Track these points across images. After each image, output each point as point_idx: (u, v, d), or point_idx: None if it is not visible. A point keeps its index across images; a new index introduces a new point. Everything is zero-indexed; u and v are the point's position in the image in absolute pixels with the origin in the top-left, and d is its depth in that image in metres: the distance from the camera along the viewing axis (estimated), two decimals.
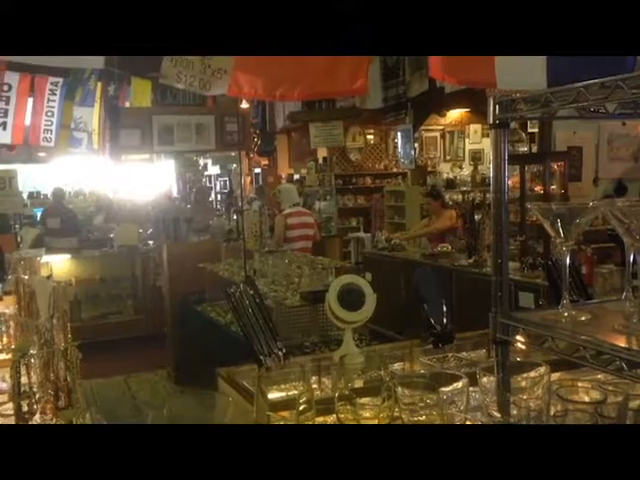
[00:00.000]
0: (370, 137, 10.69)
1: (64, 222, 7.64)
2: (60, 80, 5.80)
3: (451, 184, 10.12)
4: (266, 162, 12.31)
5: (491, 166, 1.21)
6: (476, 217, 5.56)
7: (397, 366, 2.34)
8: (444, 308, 2.64)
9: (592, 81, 1.10)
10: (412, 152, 8.12)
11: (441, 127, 10.51)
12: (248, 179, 11.57)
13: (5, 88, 5.62)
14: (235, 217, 7.02)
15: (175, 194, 10.44)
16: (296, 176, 11.19)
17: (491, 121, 1.23)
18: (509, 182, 1.23)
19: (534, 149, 7.30)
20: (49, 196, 9.01)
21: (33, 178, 11.45)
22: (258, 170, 12.57)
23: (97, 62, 2.71)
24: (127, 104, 6.33)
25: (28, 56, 2.41)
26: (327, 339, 3.29)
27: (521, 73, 2.31)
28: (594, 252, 4.05)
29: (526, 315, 1.21)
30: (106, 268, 7.34)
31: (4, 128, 5.63)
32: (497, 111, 1.23)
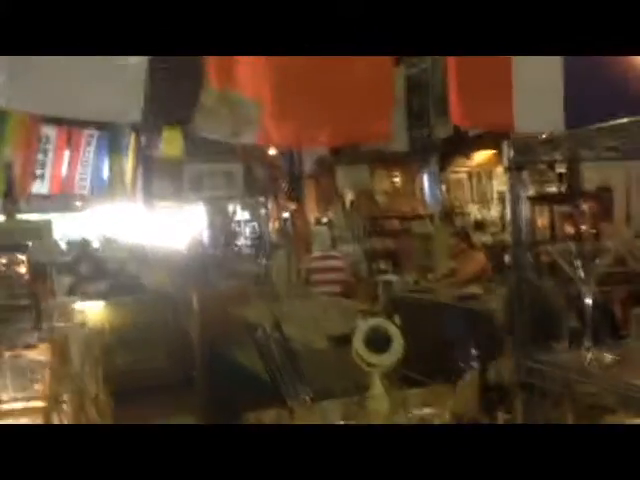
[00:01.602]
0: (396, 180, 10.75)
1: (94, 267, 7.78)
2: (95, 132, 6.03)
3: (480, 225, 10.06)
4: (294, 207, 12.35)
5: (508, 210, 1.23)
6: (506, 259, 5.57)
7: (426, 411, 2.30)
8: (472, 350, 2.60)
9: (605, 124, 1.11)
10: (439, 194, 8.14)
11: (468, 169, 10.52)
12: (277, 223, 11.70)
13: (43, 140, 5.83)
14: (264, 262, 7.09)
15: (205, 240, 10.59)
16: (324, 220, 11.23)
17: (507, 164, 1.25)
18: (539, 223, 1.23)
19: (563, 189, 7.24)
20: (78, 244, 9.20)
21: (72, 227, 11.75)
22: (286, 215, 12.76)
23: (135, 115, 2.64)
24: (157, 153, 6.49)
25: (65, 110, 2.43)
26: (356, 383, 3.25)
27: (539, 115, 2.32)
28: (630, 294, 3.97)
29: (549, 357, 1.20)
30: (138, 314, 7.42)
31: (42, 179, 5.83)
32: (512, 154, 1.25)
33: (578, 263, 1.21)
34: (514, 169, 1.27)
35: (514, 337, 1.28)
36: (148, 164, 6.26)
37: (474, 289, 5.93)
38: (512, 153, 1.24)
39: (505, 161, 1.26)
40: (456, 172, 10.60)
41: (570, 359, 1.22)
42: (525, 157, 1.26)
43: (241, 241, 13.51)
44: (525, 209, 1.30)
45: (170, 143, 6.42)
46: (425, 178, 8.46)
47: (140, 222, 10.61)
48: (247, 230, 14.50)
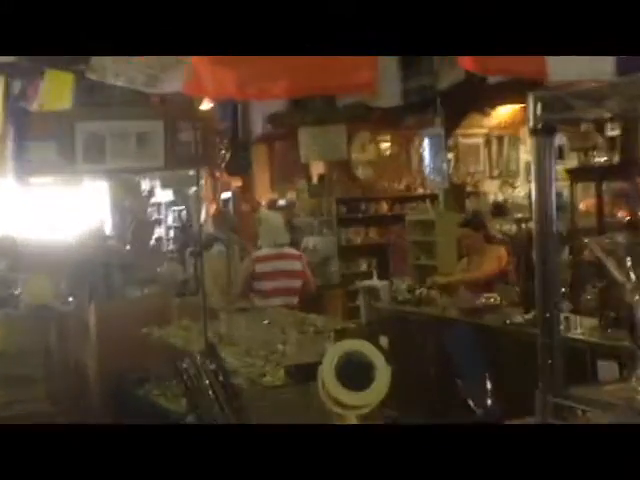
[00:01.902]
0: (385, 146, 10.86)
1: None
2: None
3: (500, 210, 10.25)
4: (239, 183, 12.29)
5: (532, 187, 1.25)
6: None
7: None
8: (488, 384, 2.67)
9: None
10: (445, 166, 8.18)
11: (485, 131, 10.68)
12: (213, 207, 11.23)
13: None
14: (193, 262, 7.05)
15: (108, 231, 10.47)
16: (281, 201, 11.30)
17: (532, 125, 1.27)
18: (582, 205, 1.26)
19: (615, 159, 7.37)
20: None
21: None
22: (227, 195, 12.56)
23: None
24: (36, 106, 6.30)
25: None
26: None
27: (583, 58, 2.33)
28: None
29: (587, 391, 1.23)
30: (7, 337, 7.29)
31: None
32: (539, 112, 1.26)
33: (630, 262, 1.22)
34: (543, 130, 1.29)
35: (542, 364, 1.32)
36: (22, 121, 6.11)
37: (491, 297, 6.03)
38: (540, 108, 1.25)
39: (530, 120, 1.27)
40: (469, 136, 10.77)
41: (613, 392, 1.25)
42: (559, 114, 1.28)
43: (161, 232, 13.42)
44: (559, 187, 1.33)
45: (55, 92, 6.27)
46: (425, 144, 8.48)
47: (10, 204, 10.42)
48: (169, 217, 14.37)
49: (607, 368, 3.60)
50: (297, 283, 6.28)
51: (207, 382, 2.39)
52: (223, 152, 10.75)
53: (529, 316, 5.27)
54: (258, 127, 10.98)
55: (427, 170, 8.57)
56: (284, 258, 6.33)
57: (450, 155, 8.93)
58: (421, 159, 9.94)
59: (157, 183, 12.89)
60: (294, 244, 8.24)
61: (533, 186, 1.29)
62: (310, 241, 9.92)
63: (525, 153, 10.91)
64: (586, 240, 1.75)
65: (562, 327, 1.48)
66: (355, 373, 2.33)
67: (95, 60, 3.03)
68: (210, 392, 2.36)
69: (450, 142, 8.75)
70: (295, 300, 6.16)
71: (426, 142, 8.30)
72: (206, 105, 7.83)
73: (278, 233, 6.47)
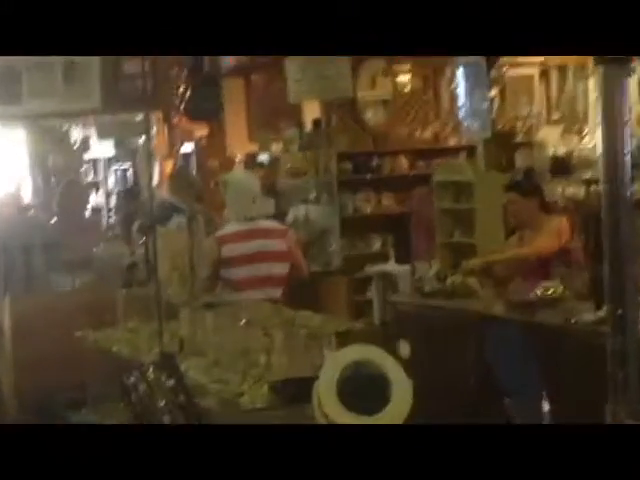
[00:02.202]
0: (404, 79, 10.71)
1: None
2: None
3: (563, 167, 10.23)
4: (204, 132, 12.32)
5: (599, 135, 1.26)
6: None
7: None
8: (544, 403, 2.70)
9: None
10: (486, 106, 8.14)
11: (541, 59, 10.58)
12: (169, 165, 11.42)
13: None
14: (142, 240, 7.02)
15: (27, 198, 10.35)
16: (262, 157, 11.18)
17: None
18: None
19: None
20: None
21: None
22: (189, 148, 12.60)
23: None
24: None
25: None
26: None
27: None
28: None
29: None
30: None
31: None
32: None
33: None
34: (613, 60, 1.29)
35: (613, 373, 1.34)
36: None
37: (550, 287, 5.99)
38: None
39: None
40: (519, 65, 10.71)
41: None
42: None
43: (98, 200, 13.29)
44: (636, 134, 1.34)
45: None
46: (459, 77, 8.34)
47: None
48: (110, 179, 14.21)
49: None
50: (282, 268, 6.25)
51: (162, 403, 2.40)
52: (182, 89, 10.58)
53: (601, 313, 5.13)
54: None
55: (462, 113, 8.56)
56: (262, 235, 6.26)
57: (493, 92, 8.84)
58: (453, 97, 9.88)
59: (92, 132, 12.77)
60: (278, 216, 8.17)
61: (600, 133, 1.30)
62: (300, 211, 9.82)
63: (595, 91, 10.89)
64: None
65: None
66: (364, 391, 2.41)
67: None
68: (166, 417, 2.37)
69: (493, 74, 8.63)
70: (280, 292, 6.15)
71: (459, 74, 8.29)
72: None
73: (251, 201, 6.35)
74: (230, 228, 6.31)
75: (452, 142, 10.83)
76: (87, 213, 9.61)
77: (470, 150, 10.01)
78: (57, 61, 6.84)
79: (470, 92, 8.31)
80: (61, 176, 10.74)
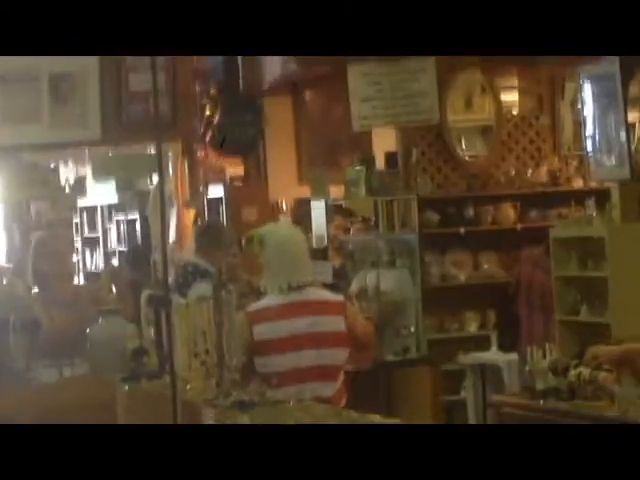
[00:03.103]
0: (510, 98, 10.25)
1: None
2: None
3: None
4: (238, 170, 12.08)
5: None
6: None
7: None
8: None
9: None
10: (623, 135, 7.70)
11: None
12: (190, 214, 11.04)
13: None
14: (154, 318, 6.32)
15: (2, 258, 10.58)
16: (316, 205, 10.85)
17: None
18: None
19: None
20: None
21: None
22: (218, 191, 12.26)
23: None
24: None
25: None
26: None
27: None
28: None
29: None
30: None
31: None
32: None
33: None
34: None
35: None
36: None
37: None
38: None
39: None
40: None
41: None
42: None
43: (94, 261, 13.60)
44: None
45: None
46: (585, 94, 8.03)
47: None
48: (111, 233, 14.61)
49: None
50: (339, 356, 5.65)
51: None
52: (208, 112, 9.97)
53: None
54: (276, 67, 10.20)
55: (589, 144, 8.20)
56: (312, 311, 5.63)
57: (633, 116, 8.00)
58: (578, 123, 9.44)
59: (88, 170, 12.61)
60: (338, 285, 7.95)
61: None
62: (369, 278, 9.25)
63: None
64: None
65: None
66: None
67: None
68: None
69: (633, 91, 7.86)
70: (334, 388, 5.58)
71: (587, 90, 7.84)
72: None
73: (298, 264, 5.78)
74: (266, 302, 5.77)
75: (576, 184, 10.31)
76: (77, 280, 9.32)
77: (601, 195, 9.29)
78: (42, 71, 6.48)
79: (601, 116, 7.85)
80: (47, 230, 10.54)
